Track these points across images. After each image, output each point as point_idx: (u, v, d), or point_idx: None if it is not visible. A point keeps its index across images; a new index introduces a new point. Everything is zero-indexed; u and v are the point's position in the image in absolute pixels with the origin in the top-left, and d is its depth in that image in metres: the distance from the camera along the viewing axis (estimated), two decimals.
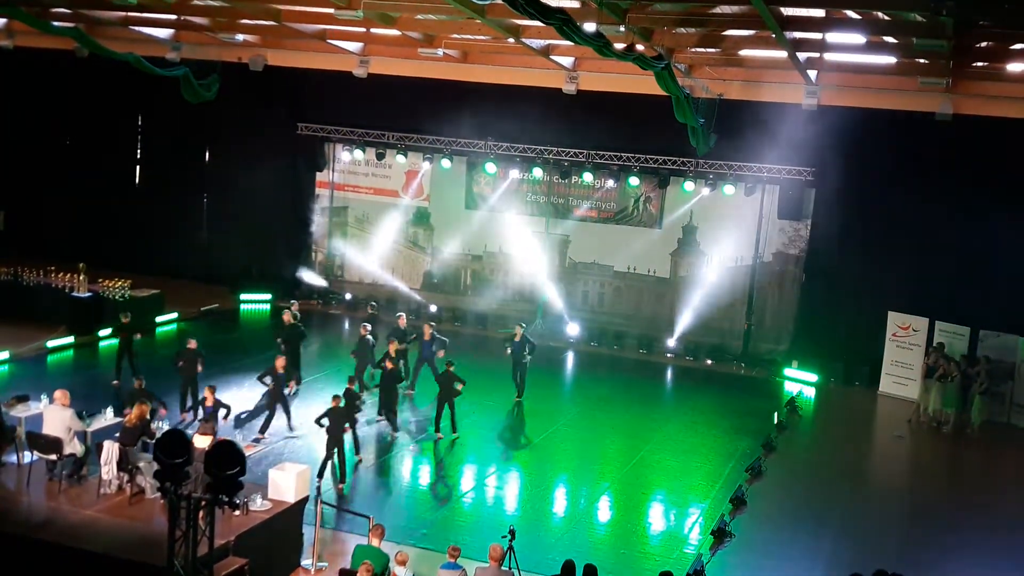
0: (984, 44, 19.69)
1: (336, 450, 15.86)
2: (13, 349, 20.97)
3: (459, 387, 18.32)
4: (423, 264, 28.87)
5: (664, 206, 26.50)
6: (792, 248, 25.50)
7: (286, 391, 17.81)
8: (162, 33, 27.43)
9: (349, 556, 11.77)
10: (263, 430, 17.30)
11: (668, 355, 25.87)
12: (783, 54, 20.85)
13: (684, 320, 26.28)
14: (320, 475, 15.70)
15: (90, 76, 28.69)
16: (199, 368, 18.21)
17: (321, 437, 16.13)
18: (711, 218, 25.99)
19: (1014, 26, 16.80)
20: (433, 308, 27.92)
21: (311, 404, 18.59)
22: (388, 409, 18.52)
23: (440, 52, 24.60)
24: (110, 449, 12.93)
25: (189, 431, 14.80)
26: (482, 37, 23.47)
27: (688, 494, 16.99)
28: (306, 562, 12.95)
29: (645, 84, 21.54)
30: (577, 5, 18.27)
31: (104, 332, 23.03)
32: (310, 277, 29.34)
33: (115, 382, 19.72)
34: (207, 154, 30.24)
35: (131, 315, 20.72)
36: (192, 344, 18.60)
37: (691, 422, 20.79)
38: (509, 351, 21.11)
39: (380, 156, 27.90)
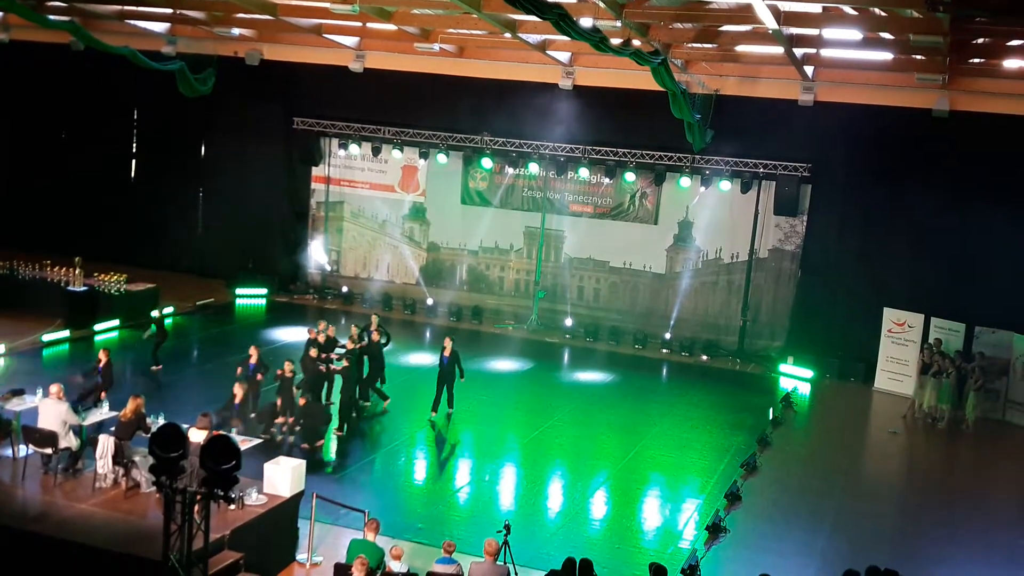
0: (981, 40, 19.70)
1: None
2: (8, 343, 20.93)
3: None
4: (419, 259, 28.87)
5: (660, 202, 26.50)
6: (788, 244, 25.53)
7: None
8: (158, 27, 27.39)
9: (344, 551, 11.77)
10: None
11: (663, 351, 25.89)
12: (780, 50, 20.85)
13: (680, 316, 26.34)
14: None
15: (86, 70, 28.63)
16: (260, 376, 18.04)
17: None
18: (707, 214, 25.99)
19: (1011, 22, 16.81)
20: (430, 302, 27.99)
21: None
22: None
23: (436, 47, 24.57)
24: (105, 443, 12.93)
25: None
26: (478, 32, 23.49)
27: (683, 489, 17.01)
28: (301, 556, 12.95)
29: (642, 79, 21.59)
30: (574, 0, 18.26)
31: (100, 327, 23.06)
32: (317, 253, 29.34)
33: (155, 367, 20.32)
34: (202, 148, 30.18)
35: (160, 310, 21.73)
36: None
37: (686, 418, 20.81)
38: (439, 364, 19.51)
39: (376, 151, 27.89)
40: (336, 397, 18.49)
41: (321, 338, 19.48)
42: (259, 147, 28.66)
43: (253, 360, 17.98)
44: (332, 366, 18.52)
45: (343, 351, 18.93)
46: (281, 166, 29.00)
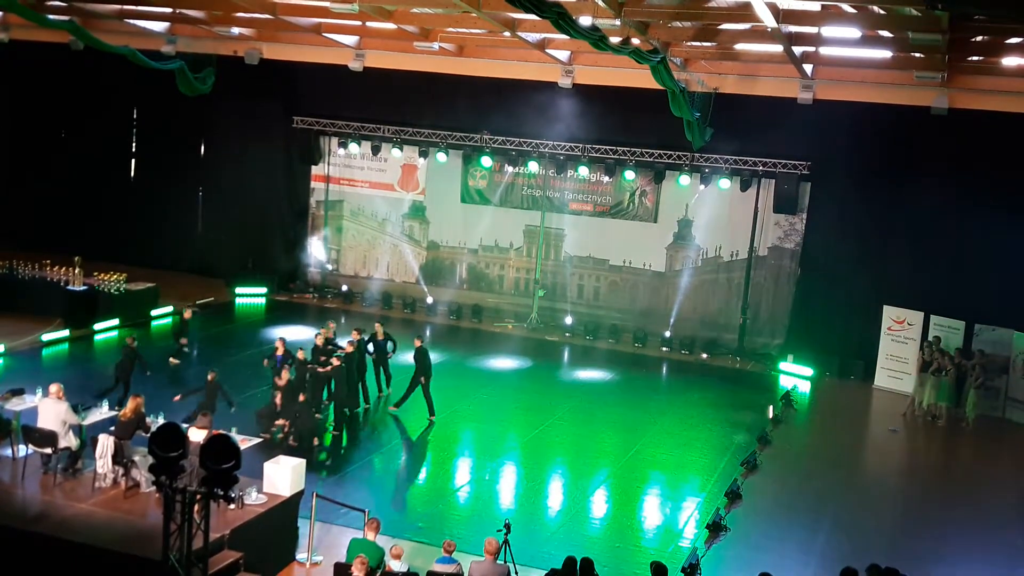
0: (980, 38, 19.70)
1: None
2: (8, 343, 20.92)
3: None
4: (419, 258, 28.87)
5: (660, 200, 26.50)
6: (787, 242, 25.53)
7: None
8: (157, 26, 27.37)
9: (344, 550, 11.77)
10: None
11: (663, 349, 25.89)
12: (779, 48, 20.85)
13: (679, 314, 26.35)
14: None
15: (85, 69, 28.60)
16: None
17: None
18: (707, 212, 26.00)
19: (1009, 20, 16.79)
20: (430, 300, 28.00)
21: None
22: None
23: (436, 46, 24.56)
24: (105, 443, 12.93)
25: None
26: (478, 31, 23.48)
27: (683, 488, 17.02)
28: (301, 556, 12.95)
29: (641, 78, 21.59)
30: None
31: (99, 326, 23.08)
32: (317, 252, 29.38)
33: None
34: (202, 147, 30.19)
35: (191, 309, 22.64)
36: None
37: (686, 416, 20.81)
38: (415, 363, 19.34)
39: (375, 150, 27.90)
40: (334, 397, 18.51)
41: (319, 340, 19.31)
42: (259, 146, 28.65)
43: (280, 353, 18.30)
44: (319, 367, 18.31)
45: (339, 353, 18.72)
46: (281, 165, 29.00)
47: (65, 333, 22.35)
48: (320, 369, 18.18)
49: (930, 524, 16.11)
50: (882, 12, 17.99)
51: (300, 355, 18.34)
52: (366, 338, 20.05)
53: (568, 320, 26.93)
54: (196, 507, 9.91)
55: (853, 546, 14.41)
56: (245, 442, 13.93)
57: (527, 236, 27.80)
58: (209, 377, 17.00)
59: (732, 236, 25.90)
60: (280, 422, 17.07)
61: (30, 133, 31.31)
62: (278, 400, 17.25)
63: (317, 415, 17.79)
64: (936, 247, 23.24)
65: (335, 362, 18.18)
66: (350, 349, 18.80)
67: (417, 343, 19.51)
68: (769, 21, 17.43)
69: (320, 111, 28.33)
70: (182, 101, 25.50)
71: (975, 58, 21.40)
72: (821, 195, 24.69)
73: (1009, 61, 21.10)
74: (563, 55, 24.83)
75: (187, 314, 22.09)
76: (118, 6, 25.02)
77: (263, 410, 17.36)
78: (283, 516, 12.82)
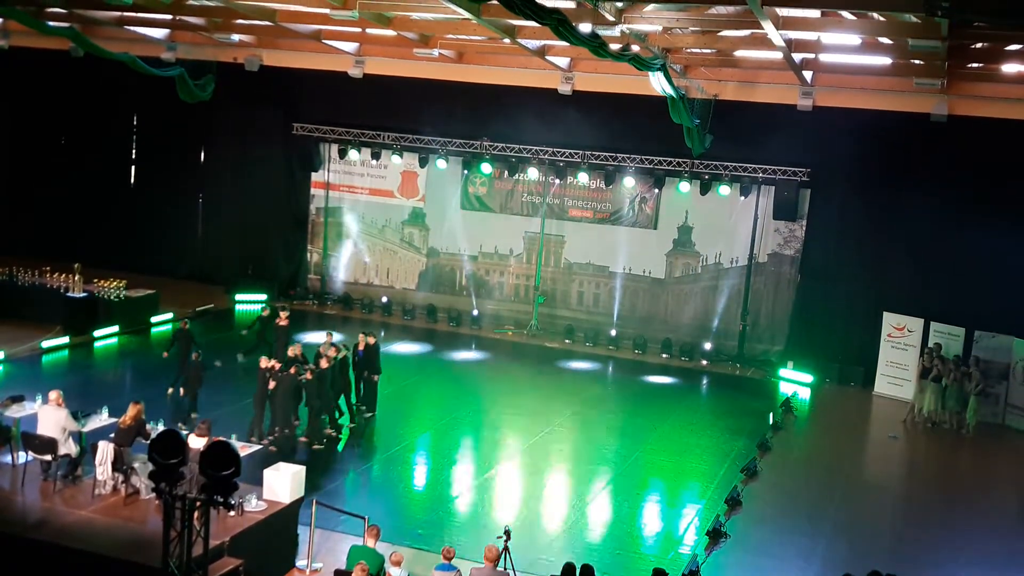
0: (979, 45, 19.71)
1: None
2: (8, 349, 20.91)
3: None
4: (418, 264, 28.87)
5: (659, 207, 26.51)
6: (787, 249, 25.53)
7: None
8: (158, 33, 27.41)
9: (344, 557, 11.78)
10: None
11: (663, 355, 25.87)
12: (778, 55, 20.87)
13: (679, 320, 26.35)
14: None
15: (85, 76, 28.63)
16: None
17: None
18: (706, 219, 26.01)
19: (1009, 27, 16.81)
20: (430, 307, 27.95)
21: None
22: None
23: (436, 52, 24.60)
24: (105, 450, 12.91)
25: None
26: (478, 37, 23.50)
27: (683, 494, 17.01)
28: (301, 563, 12.93)
29: (641, 85, 21.59)
30: (573, 5, 18.29)
31: (99, 333, 23.07)
32: (316, 259, 29.38)
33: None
34: (202, 154, 30.19)
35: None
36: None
37: (686, 423, 20.79)
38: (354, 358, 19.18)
39: (375, 156, 27.91)
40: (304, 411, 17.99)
41: (290, 353, 18.59)
42: (259, 153, 28.67)
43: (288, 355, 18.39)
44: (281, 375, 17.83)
45: (310, 366, 18.02)
46: (281, 172, 29.00)
47: (65, 340, 22.33)
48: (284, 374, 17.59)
49: (930, 530, 16.10)
50: (882, 19, 18.02)
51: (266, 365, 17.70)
52: (348, 352, 19.16)
53: (567, 327, 26.86)
54: (196, 514, 9.90)
55: (854, 552, 14.41)
56: (245, 449, 13.93)
57: (527, 243, 27.80)
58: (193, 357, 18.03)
59: (732, 243, 25.90)
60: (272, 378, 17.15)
61: (30, 140, 31.32)
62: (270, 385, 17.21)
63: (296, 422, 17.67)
64: (936, 253, 23.24)
65: (308, 375, 17.60)
66: (325, 365, 17.91)
67: (371, 340, 19.34)
68: (769, 28, 17.44)
69: (320, 118, 28.35)
70: (182, 108, 25.41)
71: (975, 65, 21.41)
72: (821, 202, 24.71)
73: (1009, 68, 21.13)
74: (563, 62, 24.87)
75: (265, 312, 22.30)
76: (118, 13, 25.05)
77: (257, 396, 17.33)
78: (283, 523, 12.81)
